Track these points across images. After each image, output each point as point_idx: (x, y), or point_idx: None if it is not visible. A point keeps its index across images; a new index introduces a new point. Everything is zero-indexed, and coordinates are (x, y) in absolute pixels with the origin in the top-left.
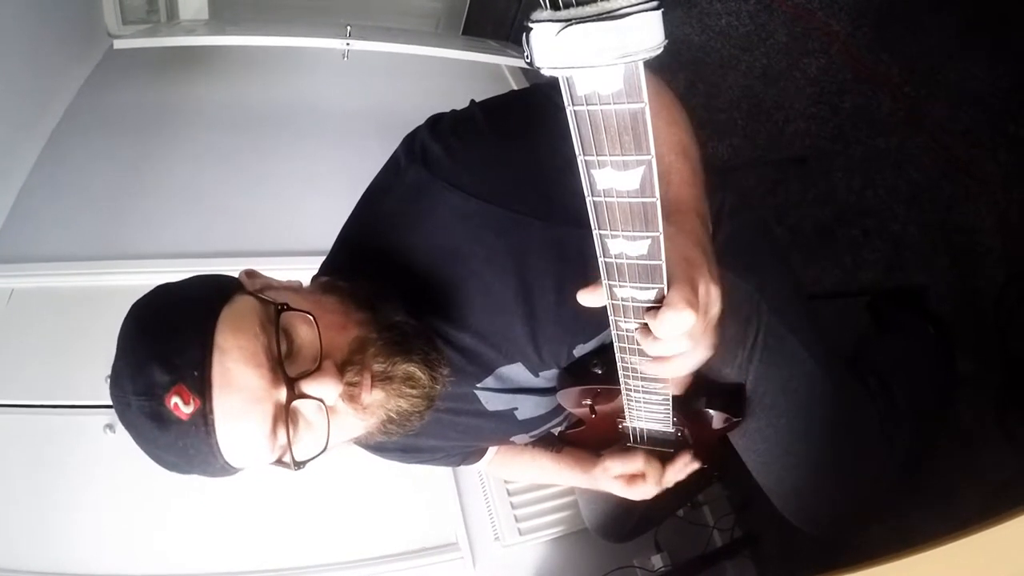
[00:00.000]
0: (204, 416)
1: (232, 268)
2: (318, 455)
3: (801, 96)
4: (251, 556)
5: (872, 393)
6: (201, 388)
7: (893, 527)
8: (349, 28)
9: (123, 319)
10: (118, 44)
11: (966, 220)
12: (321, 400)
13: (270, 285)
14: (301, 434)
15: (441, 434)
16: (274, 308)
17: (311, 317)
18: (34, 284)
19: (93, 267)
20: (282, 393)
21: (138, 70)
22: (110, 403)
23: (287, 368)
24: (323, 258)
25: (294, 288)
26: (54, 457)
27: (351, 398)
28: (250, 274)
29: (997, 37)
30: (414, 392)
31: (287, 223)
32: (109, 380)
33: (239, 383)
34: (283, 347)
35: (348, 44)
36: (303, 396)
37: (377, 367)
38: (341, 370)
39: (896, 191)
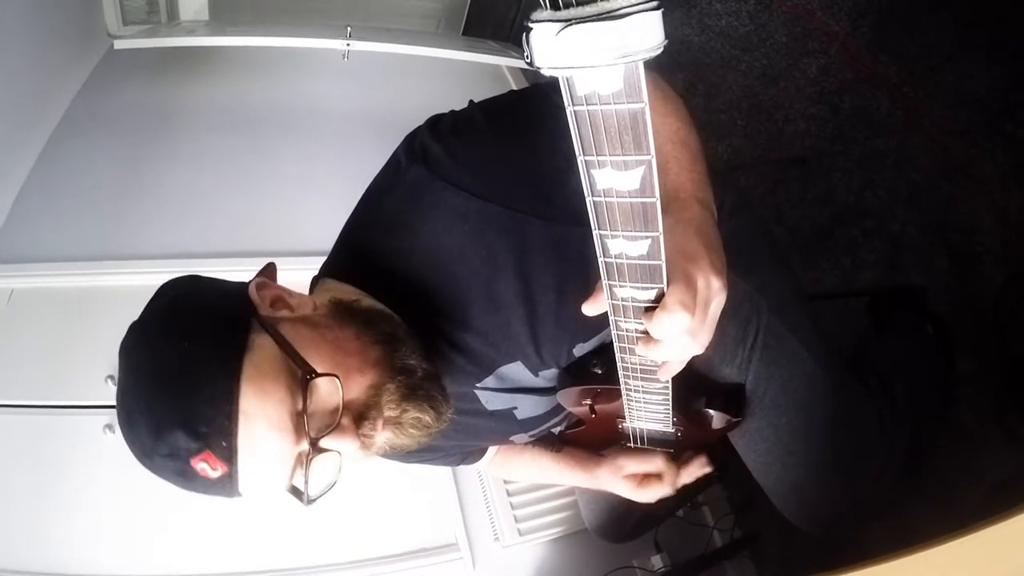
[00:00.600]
0: (230, 477)
1: (231, 268)
2: (327, 491)
3: (801, 96)
4: (251, 556)
5: (872, 393)
6: (228, 456)
7: (893, 527)
8: (349, 29)
9: (126, 341)
10: (118, 44)
11: (965, 220)
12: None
13: (282, 302)
14: (312, 473)
15: (441, 434)
16: (302, 374)
17: (336, 379)
18: (34, 284)
19: (93, 267)
20: (304, 447)
21: (138, 71)
22: (110, 403)
23: (308, 425)
24: (323, 258)
25: (309, 319)
26: (54, 457)
27: (364, 446)
28: (261, 285)
29: (995, 37)
30: (419, 433)
31: (287, 223)
32: (119, 421)
33: (265, 449)
34: (307, 405)
35: (348, 45)
36: (323, 451)
37: (390, 413)
38: (358, 422)
39: (895, 191)
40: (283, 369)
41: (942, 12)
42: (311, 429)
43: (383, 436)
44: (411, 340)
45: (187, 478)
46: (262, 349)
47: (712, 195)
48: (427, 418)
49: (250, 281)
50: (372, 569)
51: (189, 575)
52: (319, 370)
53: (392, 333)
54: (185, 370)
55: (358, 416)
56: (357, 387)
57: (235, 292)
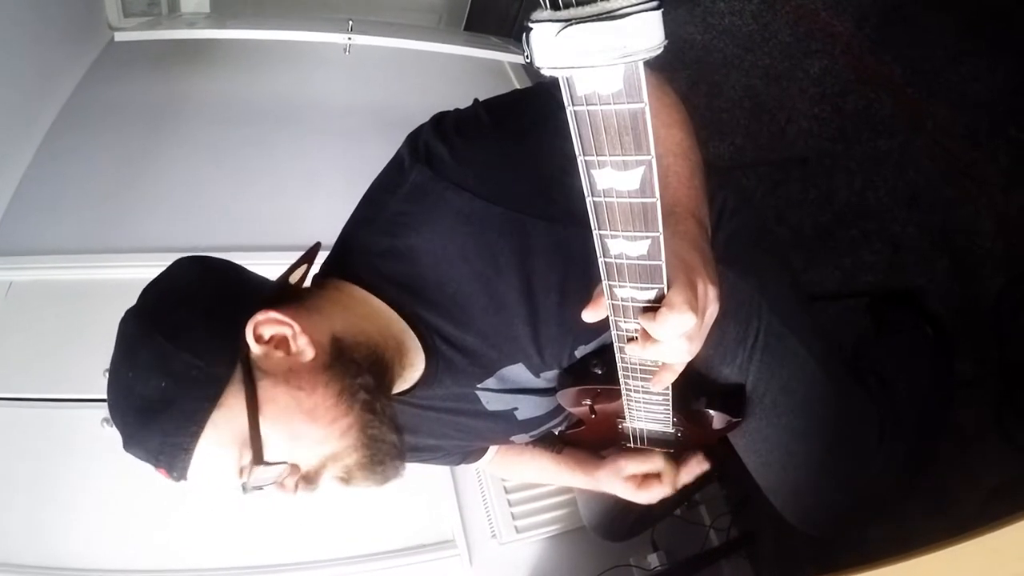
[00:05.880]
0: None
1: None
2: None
3: (803, 96)
4: (249, 551)
5: (872, 394)
6: (178, 479)
7: (892, 529)
8: (351, 23)
9: (123, 328)
10: (119, 37)
11: (966, 222)
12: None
13: (284, 345)
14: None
15: (441, 433)
16: (254, 459)
17: (285, 465)
18: (32, 277)
19: (92, 260)
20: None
21: (139, 63)
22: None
23: (249, 479)
24: (324, 254)
25: (297, 372)
26: (52, 451)
27: (307, 491)
28: (265, 323)
29: (999, 39)
30: (365, 487)
31: (288, 218)
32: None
33: (211, 483)
34: (250, 476)
35: (350, 39)
36: (262, 488)
37: (340, 475)
38: (303, 477)
39: (897, 192)
40: (241, 438)
41: (947, 14)
42: (251, 481)
43: (330, 483)
44: (390, 401)
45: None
46: (229, 411)
47: (707, 211)
48: (373, 483)
49: (252, 311)
50: (369, 565)
51: (187, 569)
52: (274, 455)
53: (373, 400)
54: (158, 412)
55: (305, 476)
56: (313, 456)
57: (237, 321)
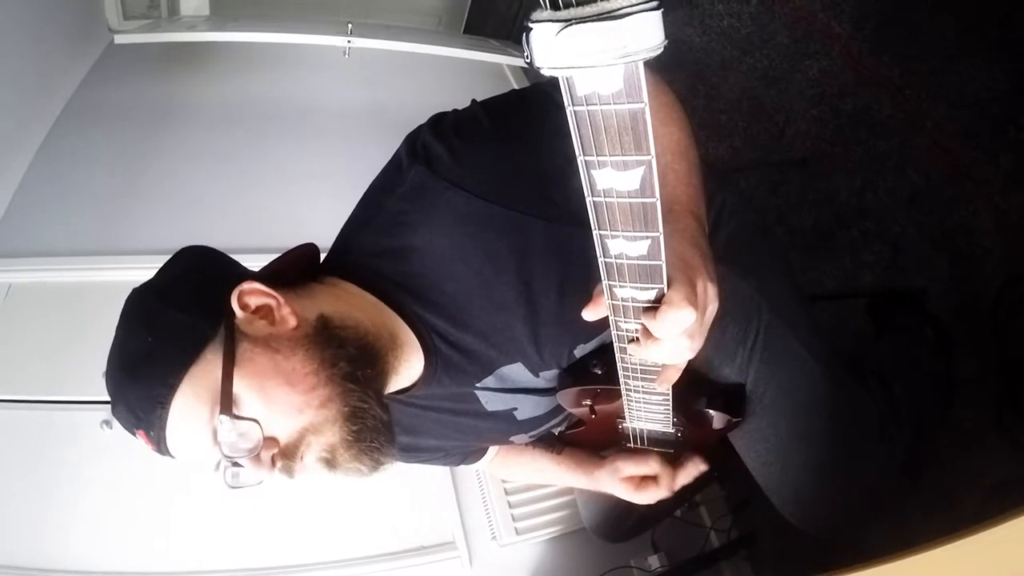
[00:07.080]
0: (166, 451)
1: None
2: (250, 486)
3: (802, 98)
4: (248, 553)
5: (872, 394)
6: (158, 443)
7: (892, 528)
8: (350, 26)
9: (128, 301)
10: (119, 39)
11: (966, 222)
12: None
13: (268, 313)
14: (232, 473)
15: (441, 434)
16: (222, 409)
17: (257, 423)
18: (32, 279)
19: (91, 262)
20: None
21: (138, 66)
22: (107, 399)
23: (223, 447)
24: (323, 255)
25: (277, 339)
26: (51, 453)
27: (285, 473)
28: (249, 292)
29: (998, 40)
30: (354, 475)
31: (286, 219)
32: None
33: (186, 446)
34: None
35: (349, 42)
36: (238, 465)
37: (324, 455)
38: (283, 455)
39: (896, 193)
40: (214, 395)
41: (945, 15)
42: (224, 444)
43: (314, 466)
44: (378, 379)
45: (136, 436)
46: (207, 366)
47: (704, 209)
48: (363, 467)
49: (239, 284)
50: (369, 567)
51: (187, 572)
52: (244, 410)
53: (355, 370)
54: (141, 364)
55: (284, 451)
56: (289, 427)
57: (223, 290)
